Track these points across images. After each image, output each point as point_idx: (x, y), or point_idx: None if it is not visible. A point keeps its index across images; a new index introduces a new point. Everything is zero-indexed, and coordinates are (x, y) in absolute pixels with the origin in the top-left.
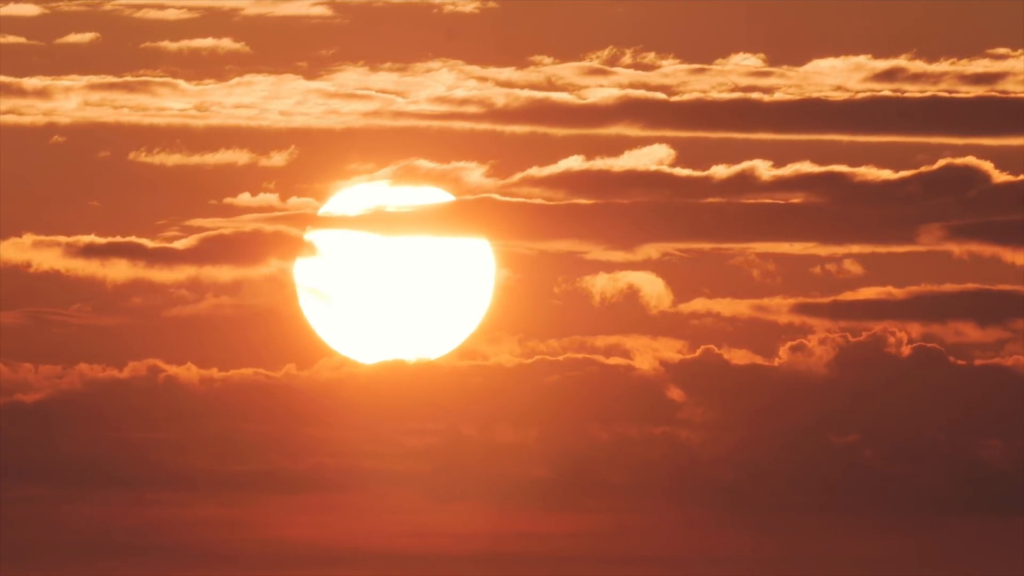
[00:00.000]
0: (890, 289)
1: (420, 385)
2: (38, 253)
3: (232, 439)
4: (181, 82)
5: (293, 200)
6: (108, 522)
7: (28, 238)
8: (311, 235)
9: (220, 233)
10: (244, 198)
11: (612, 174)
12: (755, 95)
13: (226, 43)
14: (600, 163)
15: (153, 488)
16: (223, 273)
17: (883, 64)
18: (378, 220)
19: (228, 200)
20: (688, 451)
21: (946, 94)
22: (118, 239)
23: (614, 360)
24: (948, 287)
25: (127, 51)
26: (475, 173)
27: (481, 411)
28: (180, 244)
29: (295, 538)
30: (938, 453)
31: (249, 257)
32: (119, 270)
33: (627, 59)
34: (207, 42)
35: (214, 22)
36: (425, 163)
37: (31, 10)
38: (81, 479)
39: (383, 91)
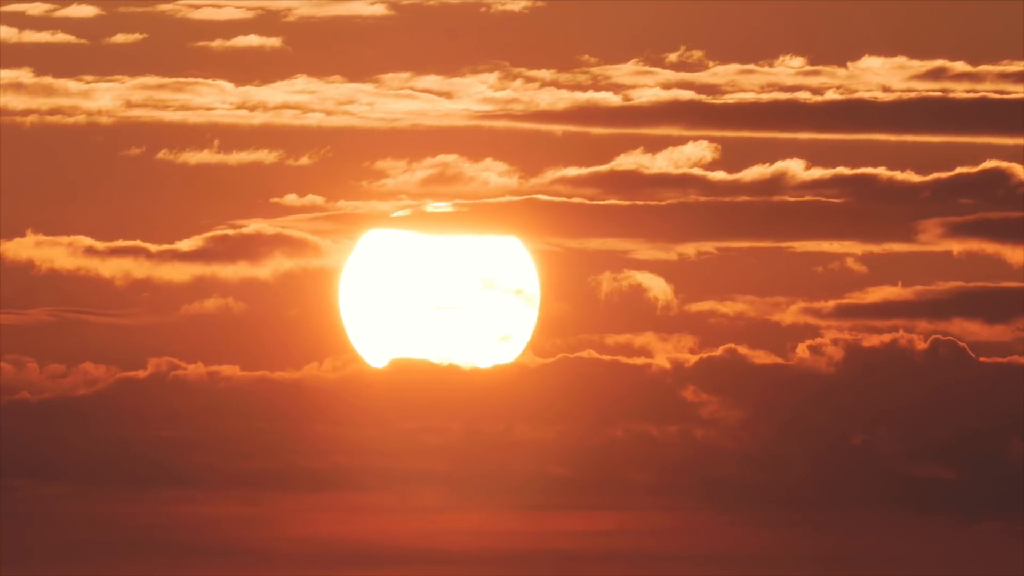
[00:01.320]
0: (928, 287)
1: (444, 384)
2: (88, 256)
3: (255, 438)
4: (225, 83)
5: (340, 202)
6: (125, 519)
7: (82, 240)
8: (350, 235)
9: (260, 233)
10: (291, 199)
11: (653, 174)
12: (801, 95)
13: (272, 42)
14: (642, 162)
15: (168, 486)
16: (263, 271)
17: (927, 64)
18: (417, 220)
19: (275, 200)
20: (708, 449)
21: (995, 95)
22: (164, 242)
23: (639, 359)
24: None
25: (174, 51)
26: (515, 173)
27: (502, 409)
28: (226, 244)
29: (314, 537)
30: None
31: (297, 255)
32: (164, 271)
33: (673, 59)
34: (254, 42)
35: (264, 22)
36: (467, 163)
37: (87, 11)
38: (95, 477)
39: (427, 91)
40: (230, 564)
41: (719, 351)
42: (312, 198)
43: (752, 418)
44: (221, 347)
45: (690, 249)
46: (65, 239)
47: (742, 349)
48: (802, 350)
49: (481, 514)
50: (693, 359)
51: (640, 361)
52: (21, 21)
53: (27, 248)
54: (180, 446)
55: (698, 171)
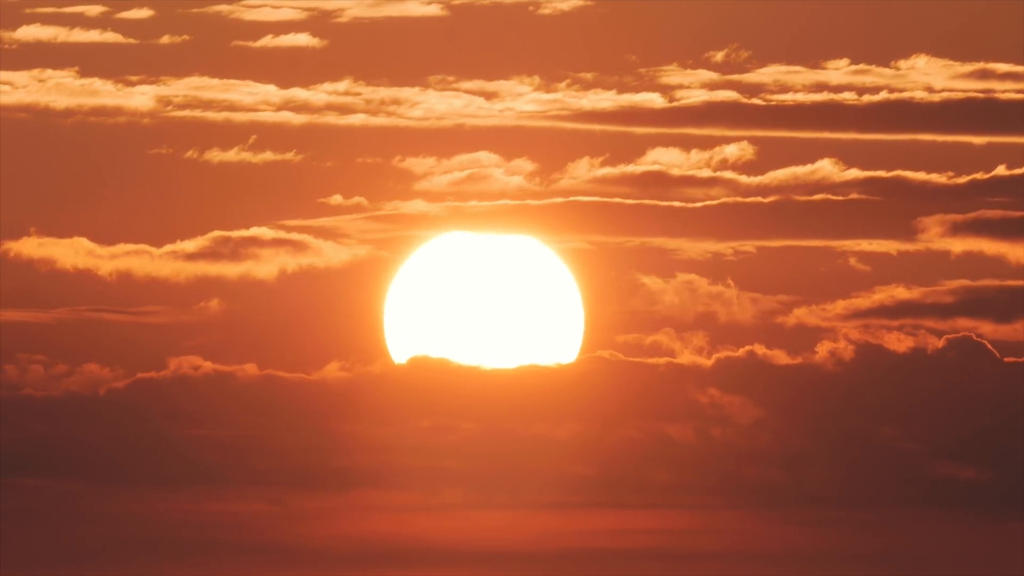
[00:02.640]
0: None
1: (464, 383)
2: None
3: (287, 437)
4: (270, 85)
5: (385, 204)
6: (147, 518)
7: (137, 246)
8: (384, 234)
9: (259, 236)
10: (336, 199)
11: (688, 175)
12: (845, 95)
13: (316, 42)
14: (679, 162)
15: (191, 484)
16: (299, 270)
17: (972, 66)
18: (455, 218)
19: (321, 200)
20: (729, 448)
21: None
22: (199, 237)
23: (663, 359)
24: None
25: (221, 51)
26: (552, 174)
27: (532, 409)
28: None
29: (339, 535)
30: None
31: (331, 257)
32: (193, 269)
33: (719, 58)
34: (302, 42)
35: (314, 23)
36: (506, 163)
37: (143, 13)
38: (123, 476)
39: (471, 92)
40: (253, 562)
41: (745, 351)
42: (357, 199)
43: (775, 417)
44: (260, 348)
45: (727, 247)
46: (130, 246)
47: (775, 349)
48: (833, 349)
49: (509, 513)
50: (715, 358)
51: (663, 361)
52: (76, 21)
53: (69, 249)
54: (204, 445)
55: (730, 173)
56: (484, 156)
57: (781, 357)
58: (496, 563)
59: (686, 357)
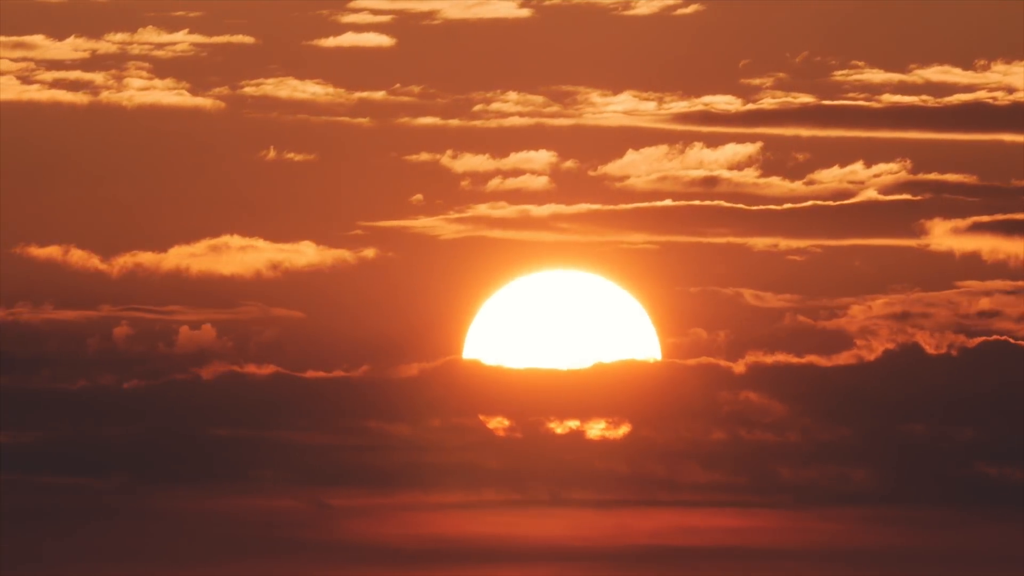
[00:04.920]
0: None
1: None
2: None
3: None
4: (338, 88)
5: (478, 206)
6: (188, 516)
7: (230, 239)
8: (445, 235)
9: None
10: (418, 199)
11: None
12: (923, 98)
13: (383, 41)
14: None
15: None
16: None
17: None
18: (544, 222)
19: (416, 197)
20: (782, 447)
21: None
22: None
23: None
24: None
25: (290, 53)
26: (615, 176)
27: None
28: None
29: (385, 534)
30: None
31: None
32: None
33: (798, 62)
34: (384, 42)
35: (399, 25)
36: (589, 168)
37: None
38: (167, 474)
39: (553, 92)
40: (293, 560)
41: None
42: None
43: (836, 417)
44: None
45: (797, 247)
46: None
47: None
48: (895, 346)
49: (547, 511)
50: (769, 361)
51: (722, 362)
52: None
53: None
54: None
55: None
56: (559, 159)
57: (843, 358)
58: (541, 561)
59: (744, 360)
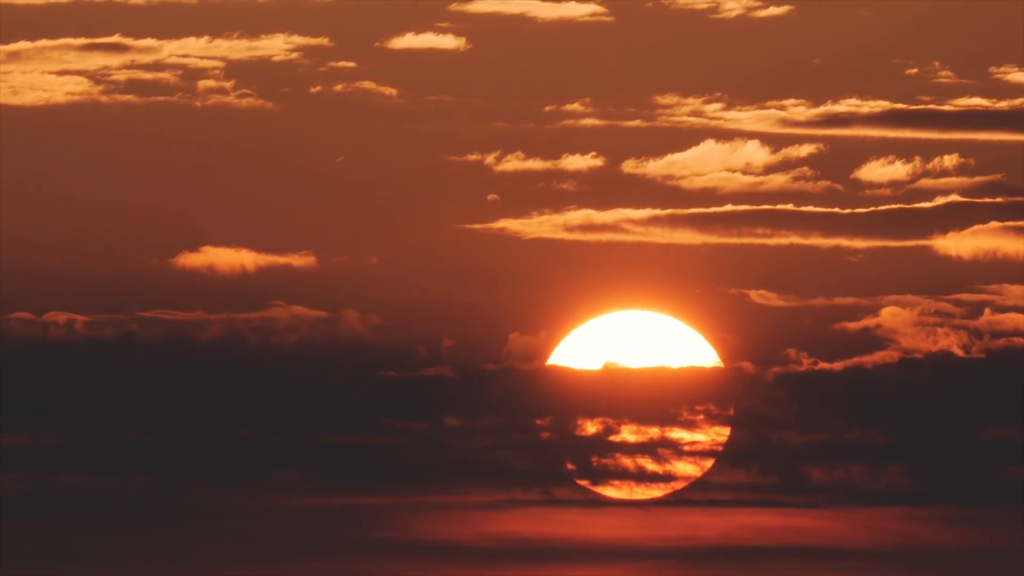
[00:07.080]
0: None
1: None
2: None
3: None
4: (390, 89)
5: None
6: (243, 513)
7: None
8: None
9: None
10: (492, 198)
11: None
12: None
13: (447, 41)
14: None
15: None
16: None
17: None
18: (615, 225)
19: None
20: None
21: None
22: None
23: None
24: None
25: (360, 53)
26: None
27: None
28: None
29: (436, 533)
30: None
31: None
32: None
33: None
34: (449, 44)
35: (461, 25)
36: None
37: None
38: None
39: (621, 100)
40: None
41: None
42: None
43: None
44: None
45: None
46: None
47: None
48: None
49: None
50: (804, 362)
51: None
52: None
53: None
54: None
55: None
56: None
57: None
58: (615, 559)
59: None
